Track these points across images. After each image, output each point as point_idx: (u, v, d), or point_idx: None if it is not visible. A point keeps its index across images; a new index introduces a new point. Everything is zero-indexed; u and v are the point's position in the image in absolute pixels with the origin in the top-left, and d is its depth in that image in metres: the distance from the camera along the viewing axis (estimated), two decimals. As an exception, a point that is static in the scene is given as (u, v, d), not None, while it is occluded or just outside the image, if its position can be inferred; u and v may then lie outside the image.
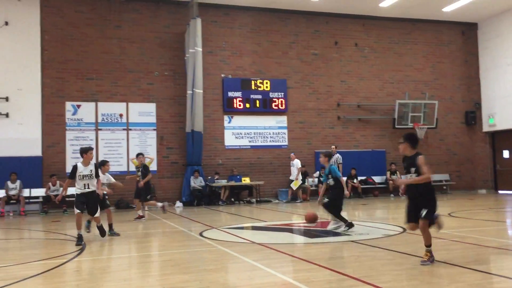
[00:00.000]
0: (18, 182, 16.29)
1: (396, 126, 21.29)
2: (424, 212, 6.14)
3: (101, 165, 11.20)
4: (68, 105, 17.84)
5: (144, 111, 18.72)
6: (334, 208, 9.48)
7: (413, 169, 6.28)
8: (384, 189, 20.65)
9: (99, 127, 18.20)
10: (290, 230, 10.60)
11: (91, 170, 9.12)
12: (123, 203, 17.70)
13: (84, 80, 18.07)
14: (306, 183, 19.45)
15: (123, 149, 18.38)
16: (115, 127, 18.40)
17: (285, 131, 20.50)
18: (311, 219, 10.20)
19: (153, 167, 17.82)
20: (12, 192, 16.19)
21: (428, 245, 6.24)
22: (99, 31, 18.36)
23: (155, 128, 18.83)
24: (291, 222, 12.01)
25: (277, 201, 19.23)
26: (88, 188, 9.02)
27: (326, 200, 9.53)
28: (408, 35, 22.33)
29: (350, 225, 9.37)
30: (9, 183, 16.21)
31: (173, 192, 18.56)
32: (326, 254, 7.44)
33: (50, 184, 16.50)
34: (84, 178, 8.99)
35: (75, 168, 9.06)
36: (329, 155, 9.92)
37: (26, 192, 16.57)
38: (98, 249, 8.64)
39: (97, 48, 18.27)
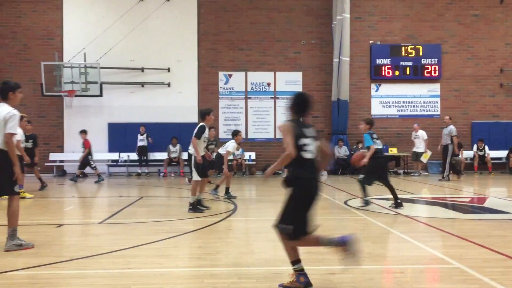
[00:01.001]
0: (178, 146, 17.92)
1: None
2: (278, 220, 4.26)
3: (234, 135, 11.09)
4: (221, 75, 18.91)
5: (290, 80, 19.03)
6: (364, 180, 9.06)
7: None
8: (554, 166, 18.31)
9: (248, 96, 19.01)
10: (441, 204, 10.02)
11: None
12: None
13: (235, 51, 18.92)
14: (460, 156, 18.11)
15: (271, 117, 18.99)
16: (263, 96, 19.04)
17: (438, 99, 19.22)
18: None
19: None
20: (173, 155, 17.88)
21: (293, 261, 4.22)
22: (249, 2, 18.95)
23: (301, 96, 19.02)
24: (442, 196, 11.34)
25: (426, 173, 18.27)
26: (207, 150, 9.02)
27: (361, 176, 9.16)
28: None
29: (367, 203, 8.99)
30: (170, 146, 17.91)
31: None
32: (482, 231, 6.90)
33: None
34: (206, 140, 8.98)
35: (203, 128, 8.70)
36: (370, 123, 9.17)
37: (185, 155, 18.12)
38: (248, 211, 9.15)
39: (247, 19, 18.92)
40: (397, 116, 19.15)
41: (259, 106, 19.02)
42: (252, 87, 19.00)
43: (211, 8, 18.87)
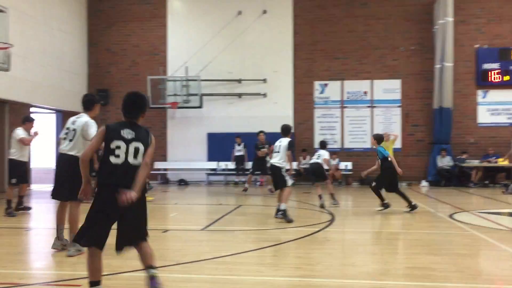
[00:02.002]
0: (274, 156, 18.09)
1: None
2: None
3: (325, 145, 11.78)
4: (316, 85, 18.87)
5: (388, 88, 18.47)
6: (376, 186, 10.15)
7: None
8: None
9: (344, 105, 18.76)
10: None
11: None
12: (367, 180, 17.97)
13: (331, 60, 18.80)
14: None
15: (367, 126, 18.56)
16: (360, 105, 18.68)
17: (555, 106, 17.57)
18: None
19: (397, 144, 17.54)
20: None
21: (92, 281, 3.88)
22: (345, 10, 18.76)
23: (399, 105, 18.42)
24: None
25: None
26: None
27: (373, 183, 10.24)
28: None
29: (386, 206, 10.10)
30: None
31: (418, 171, 17.94)
32: None
33: (301, 158, 17.86)
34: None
35: (293, 143, 9.29)
36: (378, 138, 10.41)
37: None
38: (345, 222, 9.01)
39: (343, 28, 18.73)
40: (508, 124, 17.79)
41: (355, 115, 18.68)
42: (348, 96, 18.73)
43: (307, 19, 18.95)
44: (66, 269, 5.37)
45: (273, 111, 18.86)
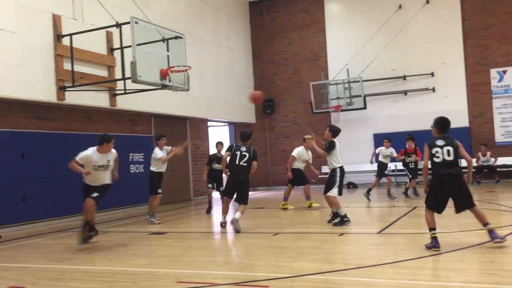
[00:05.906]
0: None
1: None
2: None
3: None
4: (493, 72, 17.13)
5: None
6: None
7: None
8: None
9: (532, 92, 16.70)
10: None
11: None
12: None
13: (508, 43, 16.92)
14: None
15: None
16: (549, 90, 16.42)
17: None
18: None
19: None
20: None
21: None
22: (523, -14, 16.76)
23: None
24: None
25: None
26: None
27: None
28: None
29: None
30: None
31: None
32: None
33: (479, 154, 16.35)
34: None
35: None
36: None
37: (456, 163, 16.99)
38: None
39: (521, 6, 16.74)
40: None
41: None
42: (538, 81, 16.61)
43: (477, 2, 17.36)
44: (254, 271, 5.70)
45: (444, 105, 17.64)
